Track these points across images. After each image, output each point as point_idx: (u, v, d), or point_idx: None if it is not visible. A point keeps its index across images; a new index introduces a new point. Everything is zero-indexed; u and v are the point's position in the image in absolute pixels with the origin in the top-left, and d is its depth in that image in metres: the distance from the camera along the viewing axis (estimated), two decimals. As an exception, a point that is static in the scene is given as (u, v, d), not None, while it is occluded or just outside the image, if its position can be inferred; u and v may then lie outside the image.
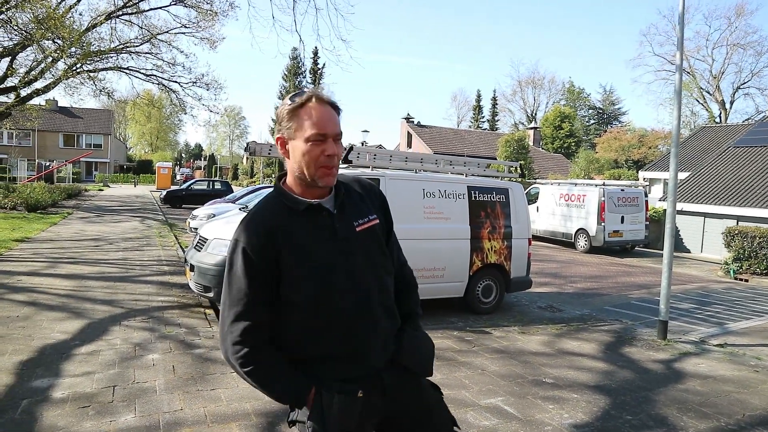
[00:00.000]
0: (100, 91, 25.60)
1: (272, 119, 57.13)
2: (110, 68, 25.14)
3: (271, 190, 1.88)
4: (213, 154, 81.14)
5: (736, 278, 13.91)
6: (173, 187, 33.68)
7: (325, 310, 1.69)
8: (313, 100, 1.67)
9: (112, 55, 24.16)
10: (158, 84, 26.56)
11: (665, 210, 7.08)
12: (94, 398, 4.12)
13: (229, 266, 1.68)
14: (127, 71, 25.56)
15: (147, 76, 26.12)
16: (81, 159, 54.13)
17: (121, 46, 24.09)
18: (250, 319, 1.64)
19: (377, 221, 1.85)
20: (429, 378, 1.96)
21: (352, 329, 1.72)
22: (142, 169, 66.45)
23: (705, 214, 18.77)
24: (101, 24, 22.75)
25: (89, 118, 60.49)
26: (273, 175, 49.30)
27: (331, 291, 1.69)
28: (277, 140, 1.74)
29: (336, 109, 1.72)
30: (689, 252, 19.07)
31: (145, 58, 25.52)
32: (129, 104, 34.99)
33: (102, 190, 40.94)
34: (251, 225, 1.69)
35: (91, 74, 23.80)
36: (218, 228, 6.91)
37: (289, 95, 1.72)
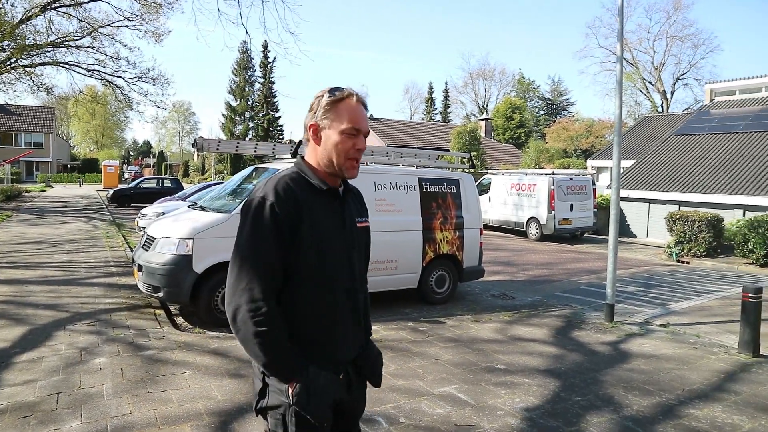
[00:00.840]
0: (38, 87, 24.54)
1: (222, 114, 56.08)
2: (48, 63, 24.11)
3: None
4: (162, 151, 78.97)
5: (678, 261, 14.52)
6: (121, 186, 32.63)
7: (324, 286, 1.76)
8: (353, 97, 1.79)
9: (49, 49, 23.17)
10: (101, 79, 25.67)
11: (611, 197, 7.32)
12: (37, 407, 3.96)
13: (253, 224, 1.68)
14: (67, 66, 24.57)
15: (89, 71, 25.19)
16: (20, 159, 51.66)
17: (59, 40, 23.11)
18: (272, 278, 1.67)
19: (368, 224, 2.01)
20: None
21: (340, 316, 1.80)
22: (88, 168, 64.07)
23: (649, 201, 19.50)
24: (36, 16, 21.74)
25: (28, 116, 57.80)
26: (225, 172, 48.39)
27: (334, 273, 1.78)
28: (310, 127, 1.81)
29: (367, 109, 1.84)
30: (635, 237, 19.78)
31: (87, 53, 24.61)
32: (71, 101, 33.62)
33: (44, 190, 39.24)
34: (281, 186, 1.71)
35: (28, 69, 22.78)
36: (166, 226, 6.72)
37: (329, 89, 1.82)
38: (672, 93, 51.43)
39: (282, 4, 22.53)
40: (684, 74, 51.26)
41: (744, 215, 16.11)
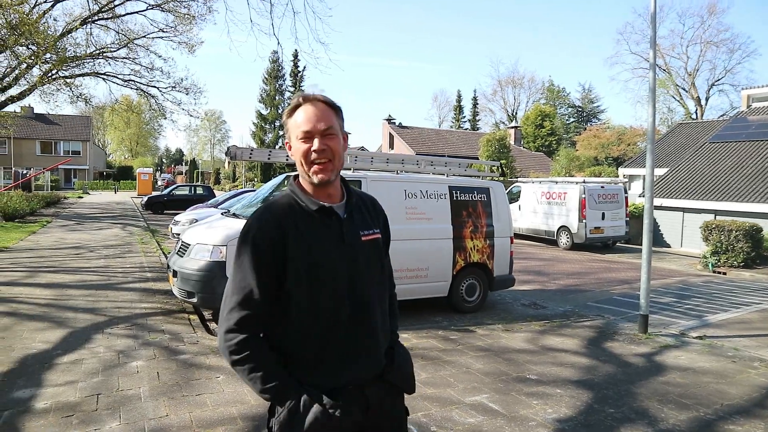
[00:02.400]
0: (77, 97, 25.30)
1: (253, 123, 56.87)
2: (87, 74, 24.85)
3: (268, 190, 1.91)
4: (194, 158, 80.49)
5: (714, 271, 14.16)
6: (155, 193, 33.34)
7: (324, 311, 1.71)
8: (301, 100, 1.77)
9: (88, 60, 23.88)
10: (137, 89, 26.33)
11: (644, 206, 7.21)
12: (78, 407, 4.09)
13: (238, 255, 1.70)
14: (105, 77, 25.28)
15: (125, 81, 25.88)
16: (59, 166, 53.25)
17: (97, 52, 23.81)
18: (249, 308, 1.66)
19: (380, 236, 1.91)
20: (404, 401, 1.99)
21: (347, 335, 1.74)
22: (123, 175, 65.74)
23: (684, 209, 19.07)
24: (76, 29, 22.49)
25: (67, 125, 59.62)
26: (255, 179, 49.07)
27: (333, 293, 1.72)
28: (286, 144, 1.84)
29: (330, 105, 1.78)
30: (669, 246, 19.36)
31: (123, 63, 25.29)
32: (107, 110, 34.56)
33: (82, 197, 40.36)
34: (263, 218, 1.72)
35: (68, 80, 23.50)
36: (200, 233, 6.87)
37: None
38: (707, 99, 50.41)
39: (313, 14, 22.95)
40: (719, 80, 50.18)
41: (784, 225, 15.62)
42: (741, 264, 14.33)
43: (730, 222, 14.92)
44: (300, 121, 1.73)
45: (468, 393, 4.68)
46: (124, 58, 24.89)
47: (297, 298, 1.70)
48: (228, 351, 1.66)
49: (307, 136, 1.71)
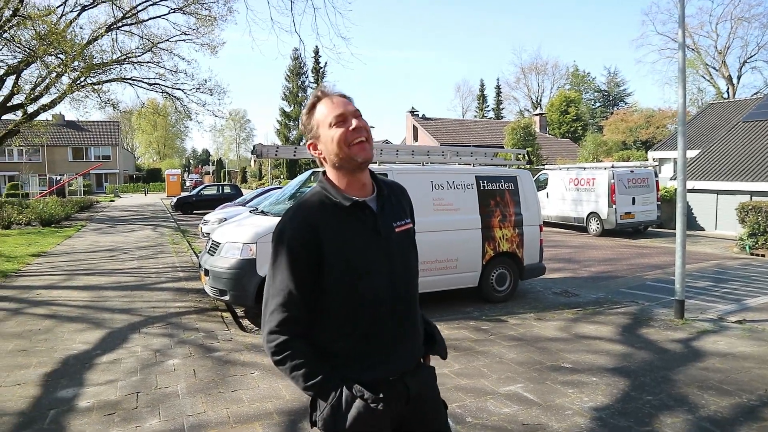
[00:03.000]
0: (105, 103, 25.78)
1: (277, 120, 57.31)
2: (114, 80, 25.31)
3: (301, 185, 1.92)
4: (221, 158, 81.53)
5: (752, 254, 13.78)
6: (183, 194, 33.89)
7: (365, 306, 1.72)
8: (323, 96, 1.78)
9: (114, 66, 24.33)
10: (162, 92, 26.72)
11: (676, 189, 7.04)
12: (119, 405, 4.19)
13: (274, 257, 1.71)
14: (131, 81, 25.72)
15: (150, 85, 26.29)
16: (91, 171, 54.60)
17: (123, 57, 24.24)
18: (289, 310, 1.67)
19: (411, 225, 1.92)
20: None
21: (389, 328, 1.76)
22: (152, 177, 67.00)
23: (717, 191, 18.59)
24: (102, 36, 22.88)
25: (96, 131, 60.98)
26: (281, 176, 49.48)
27: (373, 288, 1.73)
28: (309, 146, 1.82)
29: (345, 97, 1.80)
30: (703, 230, 18.91)
31: (148, 68, 25.68)
32: (134, 114, 35.25)
33: (113, 200, 41.29)
34: (297, 218, 1.71)
35: (95, 87, 23.98)
36: (230, 231, 6.96)
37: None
38: (738, 78, 48.80)
39: (333, 9, 22.93)
40: (752, 57, 48.51)
41: (824, 204, 15.10)
42: (780, 245, 13.91)
43: (767, 203, 14.48)
44: (328, 109, 1.74)
45: (502, 383, 4.65)
46: (148, 62, 25.30)
47: (337, 295, 1.70)
48: (270, 351, 1.69)
49: (341, 119, 1.72)
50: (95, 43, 22.90)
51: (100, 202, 36.68)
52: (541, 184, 19.68)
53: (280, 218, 1.77)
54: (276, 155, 7.79)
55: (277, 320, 1.67)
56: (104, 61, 23.27)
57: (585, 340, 5.95)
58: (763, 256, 13.50)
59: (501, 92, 69.44)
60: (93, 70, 22.55)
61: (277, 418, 3.95)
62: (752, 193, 17.23)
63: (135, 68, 25.44)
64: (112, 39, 23.62)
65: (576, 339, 6.01)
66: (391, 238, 1.80)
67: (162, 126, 72.33)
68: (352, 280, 1.70)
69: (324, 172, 1.85)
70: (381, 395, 1.68)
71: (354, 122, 1.71)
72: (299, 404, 4.20)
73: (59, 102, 23.61)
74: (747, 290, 9.06)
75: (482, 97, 69.89)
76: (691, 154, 21.79)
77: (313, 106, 1.77)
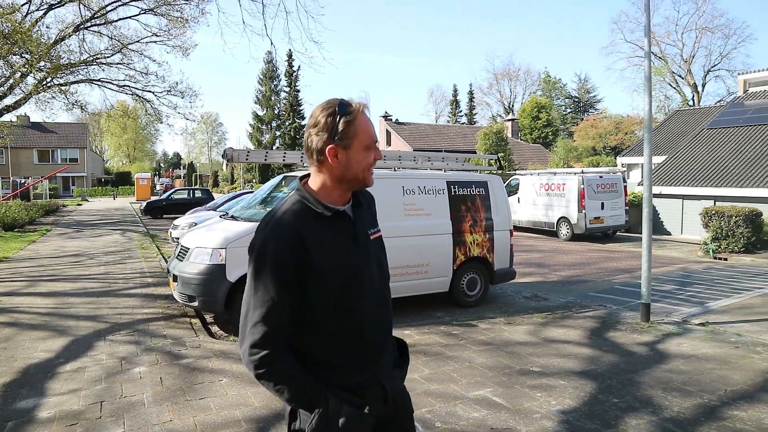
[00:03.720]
0: (73, 104, 25.24)
1: (250, 124, 56.82)
2: (82, 81, 24.79)
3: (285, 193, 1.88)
4: (192, 162, 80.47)
5: (715, 257, 14.16)
6: (153, 198, 33.34)
7: (347, 314, 1.72)
8: (363, 110, 1.75)
9: (82, 67, 23.85)
10: (132, 94, 26.28)
11: (642, 194, 7.20)
12: (82, 415, 4.08)
13: (256, 269, 1.66)
14: (99, 83, 25.22)
15: (120, 87, 25.82)
16: (57, 174, 53.30)
17: (91, 58, 23.75)
18: (273, 322, 1.63)
19: (381, 233, 1.95)
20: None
21: (369, 335, 1.77)
22: (121, 181, 65.69)
23: (683, 196, 19.05)
24: (69, 36, 22.42)
25: (63, 133, 59.57)
26: (254, 181, 49.05)
27: (355, 296, 1.73)
28: (330, 150, 1.71)
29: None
30: (670, 234, 19.35)
31: (117, 69, 25.23)
32: (103, 116, 34.53)
33: (81, 204, 40.36)
34: (283, 227, 1.68)
35: (62, 88, 23.46)
36: (199, 237, 6.86)
37: (335, 106, 1.72)
38: (703, 86, 50.25)
39: (305, 14, 22.81)
40: (715, 66, 50.06)
41: (783, 209, 15.61)
42: (741, 249, 14.33)
43: (730, 208, 14.91)
44: (367, 129, 1.74)
45: (472, 387, 4.68)
46: (118, 63, 24.85)
47: (322, 305, 1.69)
48: (253, 365, 1.64)
49: (372, 146, 1.77)
50: (62, 43, 22.42)
51: (66, 206, 35.81)
52: (513, 189, 19.91)
53: (257, 226, 1.74)
54: (247, 159, 7.72)
55: (260, 333, 1.63)
56: (72, 61, 22.79)
57: (554, 344, 6.03)
58: (725, 259, 13.88)
59: (474, 97, 70.10)
60: (60, 70, 22.06)
61: (246, 426, 3.90)
62: (716, 198, 17.71)
63: (104, 69, 24.99)
64: (80, 39, 23.16)
65: (545, 343, 6.08)
66: (367, 246, 1.82)
67: (132, 129, 70.95)
68: (338, 292, 1.69)
69: (302, 178, 1.83)
70: (366, 399, 1.72)
71: (379, 152, 1.80)
72: (268, 411, 4.15)
73: (24, 103, 23.04)
74: (710, 293, 9.30)
75: (455, 102, 70.42)
76: (658, 159, 22.31)
77: (356, 116, 1.72)
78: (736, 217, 14.45)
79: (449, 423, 3.97)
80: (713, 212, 15.11)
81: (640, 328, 6.71)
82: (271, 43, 42.41)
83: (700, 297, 8.97)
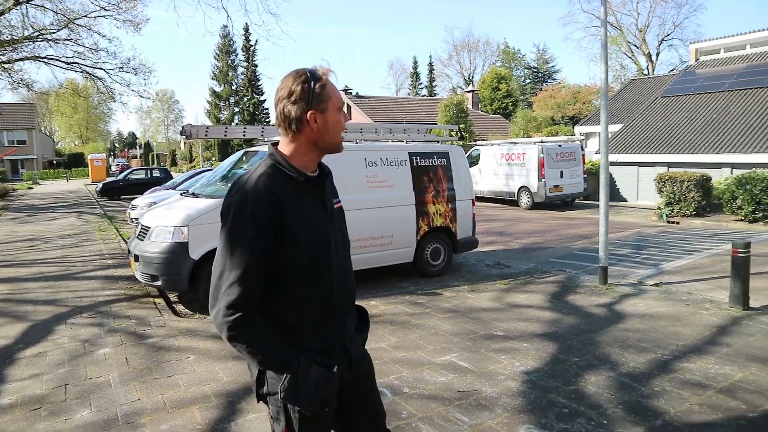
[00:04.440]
0: (18, 83, 24.15)
1: (207, 101, 55.46)
2: (26, 58, 23.65)
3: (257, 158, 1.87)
4: (148, 141, 78.24)
5: (668, 221, 14.69)
6: (109, 179, 32.37)
7: (318, 279, 1.77)
8: (332, 76, 1.81)
9: (26, 43, 22.74)
10: (82, 72, 25.22)
11: (600, 162, 7.39)
12: (46, 399, 4.02)
13: (233, 228, 1.66)
14: (46, 60, 24.10)
15: (68, 64, 24.72)
16: (4, 157, 51.15)
17: (36, 34, 22.65)
18: (248, 283, 1.65)
19: (341, 203, 2.01)
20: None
21: (336, 299, 1.82)
22: (74, 162, 63.40)
23: (638, 164, 19.60)
24: (9, 10, 21.28)
25: (9, 113, 56.79)
26: (213, 159, 48.11)
27: (325, 262, 1.79)
28: (310, 115, 1.75)
29: None
30: (626, 201, 19.93)
31: (64, 45, 24.11)
32: (52, 96, 33.17)
33: (32, 188, 38.86)
34: (259, 189, 1.68)
35: (5, 65, 22.37)
36: (160, 215, 6.73)
37: (305, 74, 1.76)
38: (657, 55, 51.38)
39: (261, -16, 22.09)
40: (668, 35, 51.14)
41: (731, 173, 16.25)
42: (692, 213, 14.89)
43: (682, 173, 15.43)
44: (337, 94, 1.80)
45: (438, 353, 4.79)
46: (65, 39, 23.73)
47: (295, 268, 1.72)
48: (227, 327, 1.64)
49: (342, 108, 1.84)
50: (2, 17, 21.29)
51: (16, 190, 34.46)
52: (474, 160, 20.10)
53: (229, 190, 1.74)
54: (206, 135, 7.56)
55: (236, 294, 1.63)
56: (14, 37, 21.70)
57: (517, 309, 6.20)
58: (677, 223, 14.41)
59: (434, 70, 69.97)
60: (1, 47, 21.00)
61: (216, 401, 3.92)
62: (669, 165, 18.29)
63: (51, 46, 23.86)
64: (22, 14, 22.00)
65: (508, 308, 6.25)
66: (333, 214, 1.88)
67: (83, 108, 68.22)
68: (312, 256, 1.74)
69: (276, 146, 1.84)
70: (334, 360, 1.78)
71: (344, 115, 1.85)
72: (237, 386, 4.17)
73: (-37, 82, 21.89)
74: (664, 255, 9.67)
75: (415, 75, 70.19)
76: (615, 128, 22.80)
77: (327, 81, 1.78)
78: (687, 182, 14.97)
79: (417, 388, 4.06)
80: (667, 178, 15.61)
81: (598, 290, 6.95)
82: (227, 15, 41.26)
83: (655, 259, 9.32)
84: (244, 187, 1.71)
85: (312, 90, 1.75)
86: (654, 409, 3.67)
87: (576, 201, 19.52)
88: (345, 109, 1.78)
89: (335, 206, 1.92)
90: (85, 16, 23.49)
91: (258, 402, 1.82)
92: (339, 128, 1.82)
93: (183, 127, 7.53)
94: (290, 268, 1.71)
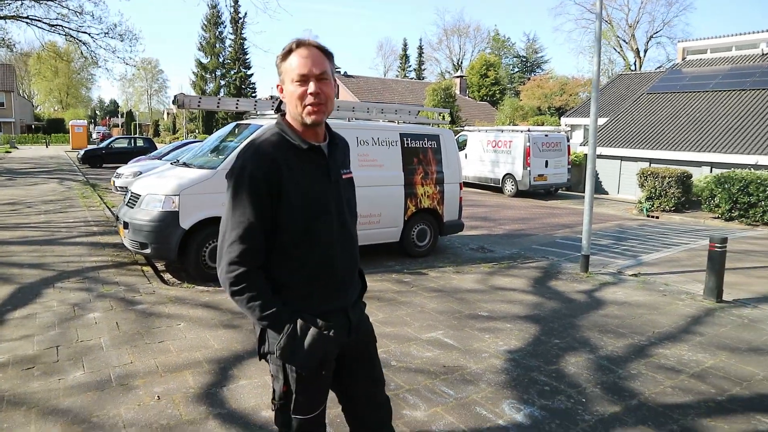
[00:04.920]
0: (-1, 42, 23.59)
1: (193, 72, 54.60)
2: (8, 17, 23.09)
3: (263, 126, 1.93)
4: (131, 110, 76.84)
5: (648, 215, 15.00)
6: (91, 147, 31.85)
7: (316, 243, 1.83)
8: (296, 46, 1.81)
9: (8, 2, 22.17)
10: (65, 35, 24.70)
11: (586, 154, 7.52)
12: (38, 359, 4.06)
13: (234, 191, 1.76)
14: (28, 21, 23.53)
15: (52, 26, 24.19)
16: (-19, 119, 49.89)
17: (19, -8, 22.09)
18: (249, 241, 1.74)
19: (352, 175, 2.06)
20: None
21: (337, 265, 1.88)
22: (53, 128, 62.00)
23: (622, 158, 19.90)
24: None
25: (-13, 74, 55.39)
26: (197, 131, 47.53)
27: (325, 226, 1.84)
28: (278, 87, 1.88)
29: (323, 51, 1.84)
30: (607, 193, 20.25)
31: (47, 6, 23.57)
32: (32, 57, 32.34)
33: (9, 152, 38.08)
34: (258, 154, 1.77)
35: (-13, 24, 21.83)
36: (151, 183, 6.72)
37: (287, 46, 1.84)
38: (645, 51, 51.81)
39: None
40: (657, 32, 51.60)
41: (711, 172, 16.61)
42: (672, 208, 15.23)
43: (664, 169, 15.74)
44: (295, 65, 1.78)
45: (424, 330, 4.92)
46: (48, 0, 23.20)
47: (292, 232, 1.80)
48: (229, 282, 1.75)
49: (303, 80, 1.77)
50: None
51: (-6, 153, 33.76)
52: (461, 146, 20.20)
53: (237, 153, 1.83)
54: (199, 106, 7.54)
55: (237, 251, 1.74)
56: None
57: (500, 291, 6.36)
58: (657, 217, 14.73)
59: (423, 53, 69.62)
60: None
61: (207, 366, 4.00)
62: (651, 160, 18.60)
63: (33, 7, 23.29)
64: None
65: (492, 290, 6.40)
66: (339, 183, 1.93)
67: (64, 73, 66.76)
68: (308, 219, 1.81)
69: (283, 114, 1.91)
70: (331, 323, 1.85)
71: (312, 86, 1.77)
72: (228, 353, 4.26)
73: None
74: (643, 247, 9.92)
75: (405, 57, 69.74)
76: (601, 121, 23.00)
77: (288, 53, 1.81)
78: (669, 178, 15.28)
79: (404, 362, 4.19)
80: (648, 173, 15.91)
81: (579, 278, 7.14)
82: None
83: (634, 251, 9.56)
84: (246, 152, 1.80)
85: (276, 63, 1.86)
86: (630, 390, 3.85)
87: (559, 191, 19.79)
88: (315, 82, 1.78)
89: (344, 176, 1.97)
90: (71, -24, 22.98)
91: (259, 360, 1.93)
92: (295, 100, 1.79)
93: (175, 96, 7.49)
94: (285, 230, 1.79)
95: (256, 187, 1.74)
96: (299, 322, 1.79)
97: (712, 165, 17.24)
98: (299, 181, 1.79)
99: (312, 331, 1.80)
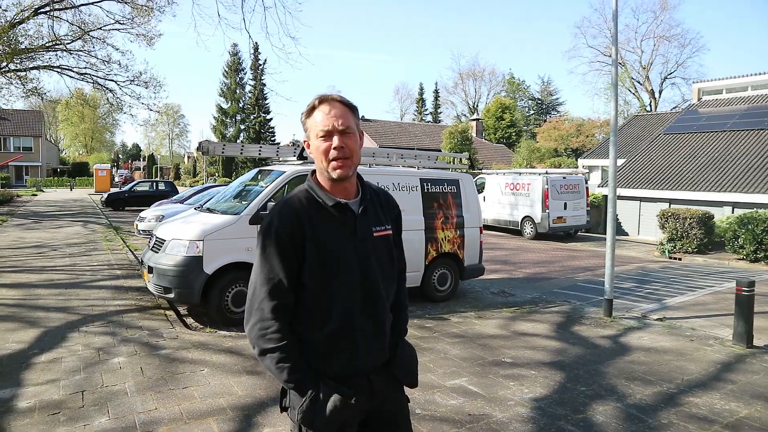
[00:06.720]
0: (30, 91, 24.47)
1: (214, 117, 55.95)
2: (41, 67, 24.01)
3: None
4: (153, 154, 78.61)
5: (671, 257, 14.80)
6: (114, 190, 32.54)
7: (336, 302, 1.81)
8: (319, 102, 1.85)
9: (41, 52, 23.10)
10: (93, 83, 25.55)
11: (605, 196, 7.52)
12: (63, 404, 4.09)
13: (263, 247, 1.80)
14: (59, 69, 24.44)
15: (81, 74, 25.08)
16: (10, 163, 51.37)
17: (50, 43, 23.01)
18: (279, 298, 1.77)
19: (391, 232, 2.01)
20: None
21: (357, 326, 1.85)
22: (78, 171, 63.58)
23: (640, 199, 19.80)
24: (28, 20, 21.67)
25: (17, 120, 57.03)
26: (216, 175, 48.36)
27: (345, 284, 1.82)
28: (306, 144, 1.93)
29: (347, 105, 1.86)
30: (627, 235, 20.07)
31: (78, 56, 24.49)
32: (61, 104, 33.47)
33: (36, 194, 39.04)
34: (284, 211, 1.82)
35: (20, 74, 22.70)
36: (176, 228, 6.85)
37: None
38: (660, 92, 52.08)
39: (283, 9, 22.75)
40: (671, 73, 51.96)
41: (733, 212, 16.44)
42: (695, 250, 15.02)
43: (684, 210, 15.61)
44: (319, 120, 1.82)
45: (448, 377, 4.87)
46: (79, 50, 24.12)
47: (312, 289, 1.80)
48: (260, 339, 1.76)
49: (327, 135, 1.81)
50: (20, 26, 21.65)
51: (21, 196, 34.61)
52: (478, 188, 20.24)
53: (271, 209, 1.88)
54: (223, 152, 7.73)
55: (269, 308, 1.76)
56: (30, 46, 22.04)
57: (523, 337, 6.28)
58: (680, 259, 14.52)
59: (439, 96, 70.77)
60: (17, 54, 21.33)
61: (231, 414, 3.99)
62: (671, 201, 18.48)
63: (63, 56, 24.22)
64: (38, 24, 22.40)
65: (515, 336, 6.33)
66: (367, 240, 1.90)
67: (90, 118, 68.80)
68: (327, 276, 1.80)
69: (313, 172, 1.95)
70: (352, 390, 1.81)
71: (336, 141, 1.79)
72: (252, 400, 4.24)
73: (-23, 88, 22.18)
74: (667, 291, 9.77)
75: (421, 101, 70.91)
76: (618, 162, 23.04)
77: (312, 110, 1.86)
78: (690, 219, 15.13)
79: (429, 410, 4.14)
80: (669, 214, 15.78)
81: (603, 322, 7.04)
82: (249, 36, 41.88)
83: (658, 294, 9.41)
84: (274, 208, 1.85)
85: (302, 122, 1.91)
86: (662, 440, 3.75)
87: (578, 233, 19.67)
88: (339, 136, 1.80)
89: (377, 234, 1.92)
90: (100, 28, 23.92)
91: (281, 412, 1.91)
92: (321, 156, 1.82)
93: (200, 143, 7.70)
94: (307, 288, 1.80)
95: (283, 245, 1.77)
96: (323, 387, 1.78)
97: (734, 205, 17.07)
98: (320, 239, 1.80)
99: (334, 397, 1.77)
